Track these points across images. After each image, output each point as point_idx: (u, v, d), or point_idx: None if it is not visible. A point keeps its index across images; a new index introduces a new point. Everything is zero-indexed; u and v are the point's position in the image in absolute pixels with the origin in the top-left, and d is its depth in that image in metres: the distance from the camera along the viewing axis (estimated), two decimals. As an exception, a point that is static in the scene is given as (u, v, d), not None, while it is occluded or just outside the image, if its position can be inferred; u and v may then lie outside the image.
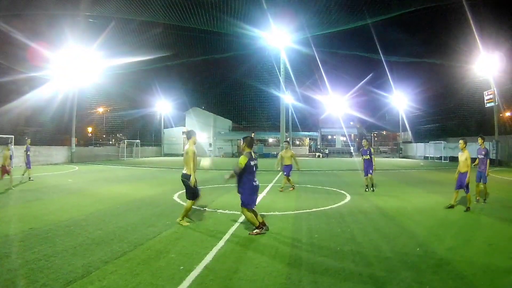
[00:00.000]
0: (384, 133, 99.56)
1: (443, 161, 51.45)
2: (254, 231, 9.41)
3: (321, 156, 70.63)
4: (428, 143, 59.71)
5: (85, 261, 7.24)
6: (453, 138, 51.33)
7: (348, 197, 16.00)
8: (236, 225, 10.43)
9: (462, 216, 11.92)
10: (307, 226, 10.36)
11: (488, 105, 44.76)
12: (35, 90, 47.52)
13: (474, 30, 40.90)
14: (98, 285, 6.06)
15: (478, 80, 47.07)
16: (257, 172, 9.70)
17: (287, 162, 18.32)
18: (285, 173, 18.33)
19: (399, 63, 67.61)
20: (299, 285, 6.05)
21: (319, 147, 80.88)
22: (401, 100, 69.99)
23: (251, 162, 9.41)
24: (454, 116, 57.99)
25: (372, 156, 17.51)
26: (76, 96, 47.57)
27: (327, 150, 75.43)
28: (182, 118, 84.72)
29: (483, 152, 14.19)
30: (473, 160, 13.25)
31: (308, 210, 12.83)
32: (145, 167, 39.49)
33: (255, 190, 9.55)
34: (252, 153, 9.64)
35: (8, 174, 18.67)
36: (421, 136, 66.99)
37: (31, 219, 11.30)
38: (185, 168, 10.70)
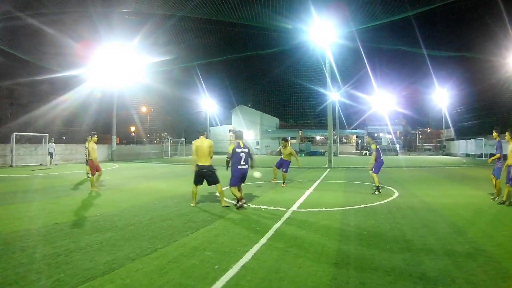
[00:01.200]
0: (428, 130, 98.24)
1: (483, 158, 49.23)
2: (238, 204, 11.85)
3: (368, 154, 69.88)
4: (469, 140, 57.96)
5: (110, 257, 6.75)
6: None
7: (396, 193, 15.23)
8: (280, 222, 9.70)
9: (509, 212, 11.13)
10: (355, 223, 9.61)
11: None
12: (76, 89, 48.13)
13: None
14: (120, 283, 5.55)
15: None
16: (247, 159, 12.29)
17: (285, 158, 18.40)
18: (284, 169, 18.37)
19: (442, 58, 66.76)
20: (345, 287, 5.35)
21: (365, 144, 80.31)
22: (444, 96, 68.31)
23: (237, 149, 12.14)
24: (493, 112, 56.66)
25: (373, 153, 16.17)
26: (117, 95, 48.03)
27: (374, 148, 74.82)
28: (229, 116, 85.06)
29: (496, 146, 13.39)
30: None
31: (355, 206, 12.12)
32: (188, 164, 38.61)
33: (240, 173, 12.14)
34: (241, 142, 12.30)
35: (98, 171, 17.40)
36: (463, 133, 65.63)
37: (58, 214, 11.09)
38: (204, 161, 12.08)
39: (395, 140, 79.09)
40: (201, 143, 12.12)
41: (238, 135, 12.60)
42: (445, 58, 66.63)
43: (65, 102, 50.68)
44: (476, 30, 66.91)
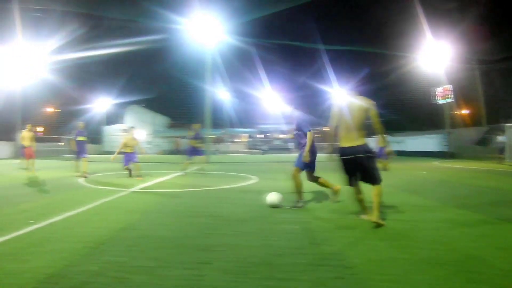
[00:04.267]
0: (326, 129, 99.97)
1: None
2: None
3: (261, 153, 70.70)
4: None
5: None
6: (400, 132, 50.97)
7: (255, 180, 16.08)
8: (110, 198, 10.62)
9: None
10: (180, 203, 10.09)
11: (441, 101, 45.87)
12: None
13: (421, 16, 41.88)
14: None
15: (425, 71, 48.12)
16: None
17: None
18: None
19: (339, 54, 67.82)
20: (111, 243, 5.94)
21: (256, 143, 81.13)
22: (343, 94, 69.04)
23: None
24: (400, 109, 58.50)
25: None
26: (19, 92, 46.83)
27: (266, 147, 75.79)
28: (122, 116, 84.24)
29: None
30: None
31: (195, 189, 12.79)
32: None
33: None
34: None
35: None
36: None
37: None
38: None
39: (287, 140, 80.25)
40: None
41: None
42: (343, 53, 68.38)
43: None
44: (378, 23, 68.88)
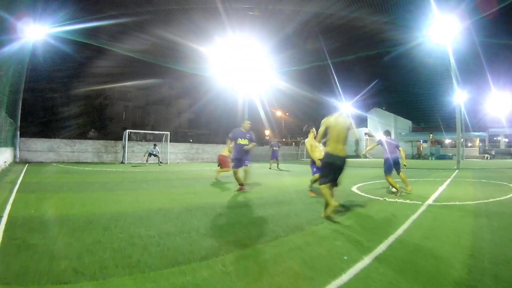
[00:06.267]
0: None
1: None
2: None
3: (488, 158, 67.39)
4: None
5: (218, 243, 6.31)
6: None
7: None
8: (417, 214, 9.25)
9: None
10: (486, 214, 9.34)
11: None
12: (200, 91, 48.82)
13: None
14: (218, 270, 4.99)
15: None
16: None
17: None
18: None
19: None
20: (480, 279, 4.88)
21: (486, 148, 77.30)
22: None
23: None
24: None
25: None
26: (246, 96, 47.75)
27: (494, 151, 72.22)
28: (364, 119, 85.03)
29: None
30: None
31: (485, 200, 11.80)
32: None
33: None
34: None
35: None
36: None
37: (165, 201, 11.25)
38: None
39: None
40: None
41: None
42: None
43: (189, 104, 51.66)
44: None
